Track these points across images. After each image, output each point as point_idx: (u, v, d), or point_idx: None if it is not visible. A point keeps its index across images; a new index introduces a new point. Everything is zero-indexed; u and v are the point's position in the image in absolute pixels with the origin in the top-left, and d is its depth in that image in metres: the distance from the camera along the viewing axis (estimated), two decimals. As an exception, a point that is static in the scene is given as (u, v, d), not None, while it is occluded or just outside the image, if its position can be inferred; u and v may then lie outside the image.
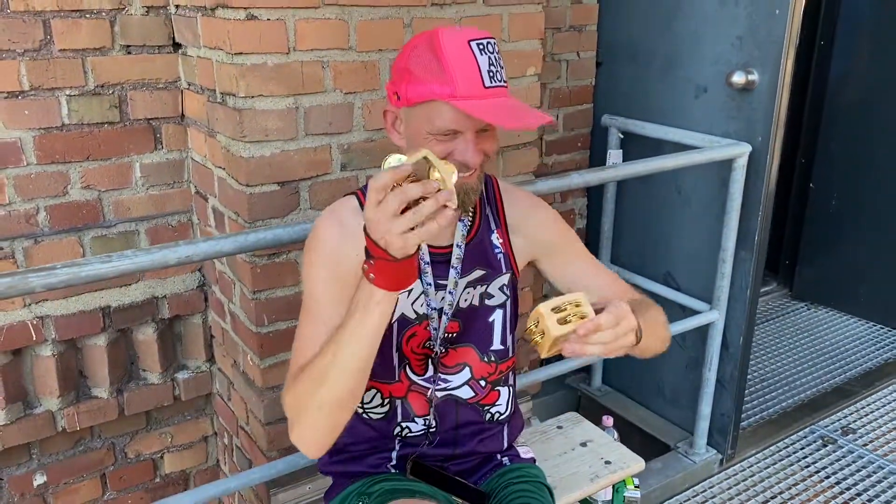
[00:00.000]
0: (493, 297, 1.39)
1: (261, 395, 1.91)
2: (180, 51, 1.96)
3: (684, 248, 2.58)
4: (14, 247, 1.88)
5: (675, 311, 2.58)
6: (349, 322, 1.09)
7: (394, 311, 1.33)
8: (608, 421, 2.34)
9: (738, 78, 2.25)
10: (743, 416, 2.75)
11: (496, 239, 1.39)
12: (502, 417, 1.47)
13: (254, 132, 1.70)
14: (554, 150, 2.68)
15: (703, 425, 2.55)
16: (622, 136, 2.63)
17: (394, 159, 1.01)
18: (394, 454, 1.42)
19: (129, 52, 1.91)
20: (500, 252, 1.39)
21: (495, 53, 1.18)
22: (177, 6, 1.90)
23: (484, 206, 1.40)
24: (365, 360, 1.12)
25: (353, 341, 1.10)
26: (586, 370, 3.02)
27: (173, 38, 1.95)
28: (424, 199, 0.97)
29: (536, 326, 1.06)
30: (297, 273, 1.86)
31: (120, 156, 1.96)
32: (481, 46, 1.16)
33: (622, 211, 2.74)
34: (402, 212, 0.97)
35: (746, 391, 2.86)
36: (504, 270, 1.39)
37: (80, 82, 1.86)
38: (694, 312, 2.47)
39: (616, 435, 2.30)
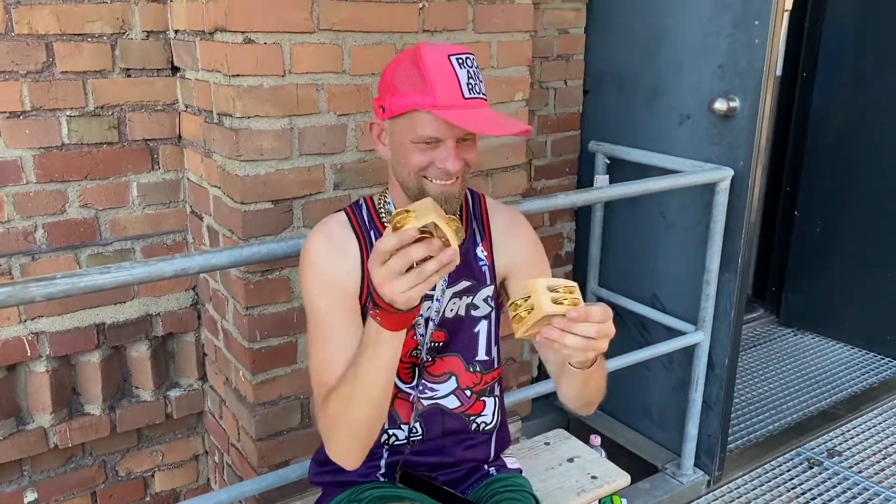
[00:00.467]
0: (478, 307, 1.43)
1: (252, 410, 1.94)
2: (178, 74, 2.02)
3: (670, 271, 2.63)
4: (11, 263, 1.92)
5: (662, 333, 2.62)
6: (363, 357, 1.16)
7: None
8: (595, 440, 2.36)
9: (720, 105, 2.32)
10: (730, 438, 2.78)
11: (481, 252, 1.44)
12: (488, 427, 1.51)
13: (249, 151, 1.75)
14: (542, 175, 2.75)
15: (690, 446, 2.58)
16: (609, 162, 2.69)
17: (403, 219, 1.03)
18: (382, 462, 1.45)
19: (129, 75, 1.97)
20: (485, 265, 1.44)
21: (474, 68, 1.25)
22: (176, 31, 1.96)
23: (471, 220, 1.45)
24: (384, 385, 1.19)
25: (370, 374, 1.17)
26: (575, 393, 3.04)
27: (172, 61, 2.01)
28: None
29: (525, 301, 1.05)
30: (289, 290, 1.90)
31: (118, 175, 2.01)
32: (460, 60, 1.23)
33: (609, 235, 2.80)
34: (407, 270, 1.04)
35: (733, 414, 2.89)
36: (488, 282, 1.44)
37: (81, 103, 1.91)
38: (680, 333, 2.52)
39: (603, 454, 2.32)
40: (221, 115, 1.79)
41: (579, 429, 2.90)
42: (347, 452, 1.27)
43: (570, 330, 1.05)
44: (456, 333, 1.42)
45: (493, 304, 1.45)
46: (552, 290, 1.04)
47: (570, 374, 1.24)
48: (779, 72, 3.69)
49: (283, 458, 2.00)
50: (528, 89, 2.16)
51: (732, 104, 2.32)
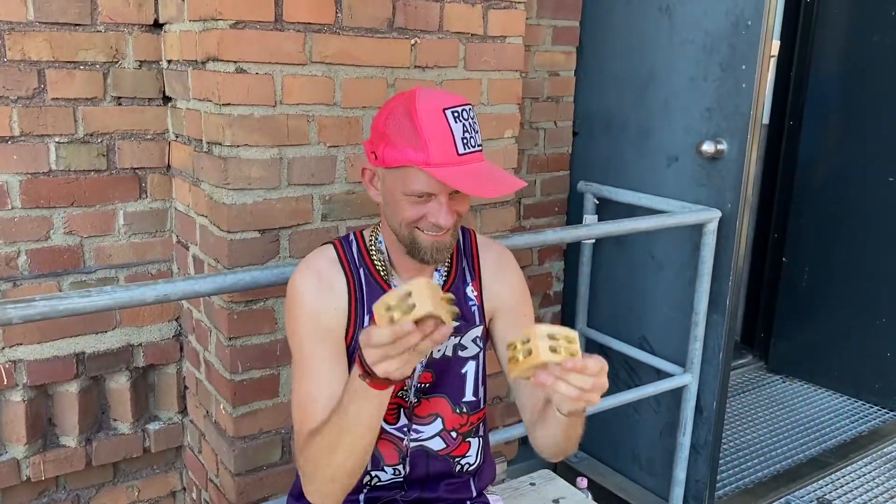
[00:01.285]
0: (466, 348, 1.41)
1: (232, 444, 1.90)
2: (170, 104, 2.02)
3: (658, 313, 2.62)
4: (-8, 289, 1.89)
5: (650, 375, 2.60)
6: (349, 409, 1.13)
7: None
8: (582, 482, 2.32)
9: (708, 147, 2.35)
10: (718, 485, 2.74)
11: (471, 291, 1.42)
12: (472, 468, 1.48)
13: (237, 180, 1.75)
14: (532, 214, 2.75)
15: (678, 491, 2.54)
16: (597, 202, 2.70)
17: (390, 297, 1.00)
18: (361, 496, 1.42)
19: (120, 104, 1.97)
20: (475, 304, 1.42)
21: (470, 120, 1.23)
22: (169, 61, 1.97)
23: (460, 259, 1.44)
24: (370, 437, 1.18)
25: (354, 426, 1.14)
26: (562, 436, 3.00)
27: (163, 91, 2.02)
28: None
29: (524, 344, 1.05)
30: (273, 321, 1.87)
31: (104, 203, 1.99)
32: (456, 114, 1.21)
33: (598, 275, 2.80)
34: None
35: (722, 461, 2.86)
36: (477, 322, 1.42)
37: (71, 130, 1.91)
38: (668, 376, 2.49)
39: (590, 496, 2.28)
40: (211, 144, 1.79)
41: (566, 472, 2.85)
42: (326, 496, 1.25)
43: (564, 378, 1.04)
44: (443, 374, 1.40)
45: (481, 345, 1.43)
46: (552, 337, 1.04)
47: (551, 422, 1.22)
48: (766, 120, 3.75)
49: (263, 495, 1.95)
50: (517, 127, 2.18)
51: (720, 146, 2.34)
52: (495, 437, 2.08)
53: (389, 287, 1.33)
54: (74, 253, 1.98)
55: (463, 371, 1.42)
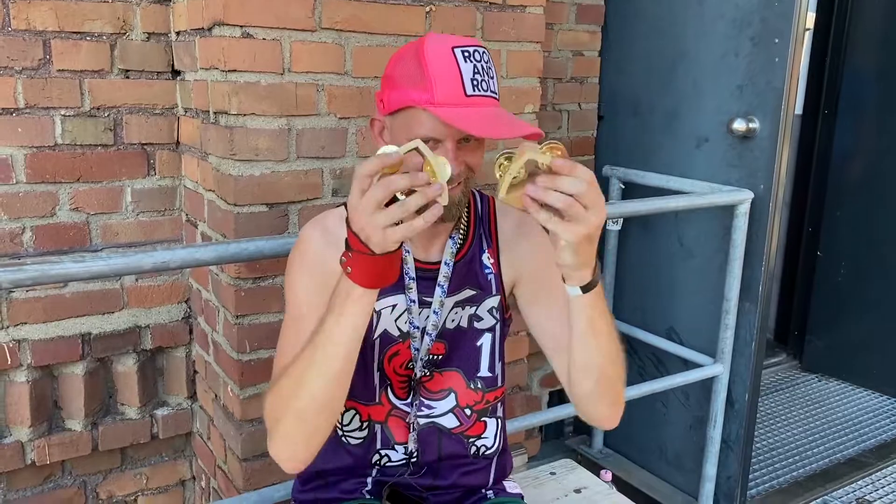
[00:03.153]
0: (481, 319, 1.32)
1: (239, 428, 1.83)
2: (179, 77, 1.97)
3: (687, 301, 2.51)
4: (-4, 266, 1.84)
5: (678, 367, 2.49)
6: (326, 321, 1.03)
7: (376, 325, 1.28)
8: (607, 475, 2.20)
9: (739, 125, 2.24)
10: (751, 483, 2.61)
11: (487, 259, 1.33)
12: (489, 452, 1.38)
13: (244, 150, 1.68)
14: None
15: (708, 488, 2.42)
16: (623, 187, 2.60)
17: (387, 149, 0.95)
18: (370, 479, 1.33)
19: (128, 77, 1.92)
20: (491, 273, 1.33)
21: (483, 62, 1.13)
22: (177, 33, 1.92)
23: (477, 225, 1.34)
24: (343, 363, 1.05)
25: (330, 343, 1.03)
26: (587, 431, 2.90)
27: (173, 65, 1.96)
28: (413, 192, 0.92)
29: (509, 160, 0.97)
30: (282, 299, 1.79)
31: (111, 179, 1.94)
32: (466, 54, 1.11)
33: (624, 264, 2.69)
34: (388, 204, 0.93)
35: (754, 459, 2.73)
36: (494, 292, 1.33)
37: (76, 103, 1.86)
38: (697, 367, 2.38)
39: (614, 489, 2.17)
40: (217, 114, 1.73)
41: (589, 466, 2.75)
42: (291, 443, 1.10)
43: (554, 186, 0.93)
44: (456, 346, 1.31)
45: (498, 316, 1.33)
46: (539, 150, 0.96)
47: (572, 325, 1.09)
48: (799, 109, 3.61)
49: (271, 482, 1.86)
50: (538, 101, 2.09)
51: (752, 125, 2.24)
52: (515, 425, 1.99)
53: None
54: (81, 230, 1.93)
55: (478, 344, 1.33)
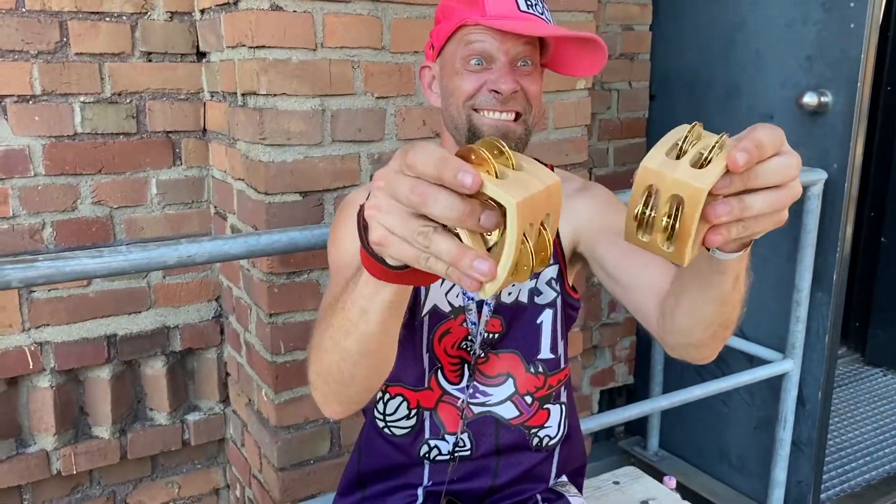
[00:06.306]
0: (541, 293, 1.18)
1: (275, 435, 1.69)
2: (204, 59, 1.84)
3: (751, 292, 2.32)
4: (15, 264, 1.73)
5: (742, 364, 2.31)
6: (345, 291, 0.79)
7: (424, 300, 1.14)
8: (671, 482, 2.03)
9: (810, 99, 2.05)
10: (822, 487, 2.43)
11: None
12: (552, 442, 1.24)
13: (275, 134, 1.54)
14: (604, 185, 2.48)
15: (777, 494, 2.24)
16: (679, 171, 2.42)
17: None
18: (420, 490, 1.19)
19: (150, 60, 1.79)
20: None
21: None
22: (202, 11, 1.78)
23: None
24: (359, 339, 0.79)
25: (343, 314, 0.78)
26: (641, 432, 2.73)
27: (197, 46, 1.83)
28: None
29: (649, 198, 0.60)
30: (318, 295, 1.66)
31: (135, 170, 1.82)
32: None
33: (679, 253, 2.51)
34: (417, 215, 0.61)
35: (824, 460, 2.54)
36: (552, 260, 1.18)
37: (96, 89, 1.74)
38: (764, 363, 2.20)
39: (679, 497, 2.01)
40: (245, 96, 1.59)
41: (645, 470, 2.58)
42: (321, 393, 0.92)
43: (750, 186, 0.62)
44: (514, 324, 1.17)
45: (558, 289, 1.19)
46: (677, 151, 0.60)
47: (713, 286, 0.82)
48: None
49: (309, 493, 1.74)
50: (590, 77, 1.92)
51: (824, 99, 2.05)
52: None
53: None
54: (104, 225, 1.81)
55: (538, 321, 1.19)
